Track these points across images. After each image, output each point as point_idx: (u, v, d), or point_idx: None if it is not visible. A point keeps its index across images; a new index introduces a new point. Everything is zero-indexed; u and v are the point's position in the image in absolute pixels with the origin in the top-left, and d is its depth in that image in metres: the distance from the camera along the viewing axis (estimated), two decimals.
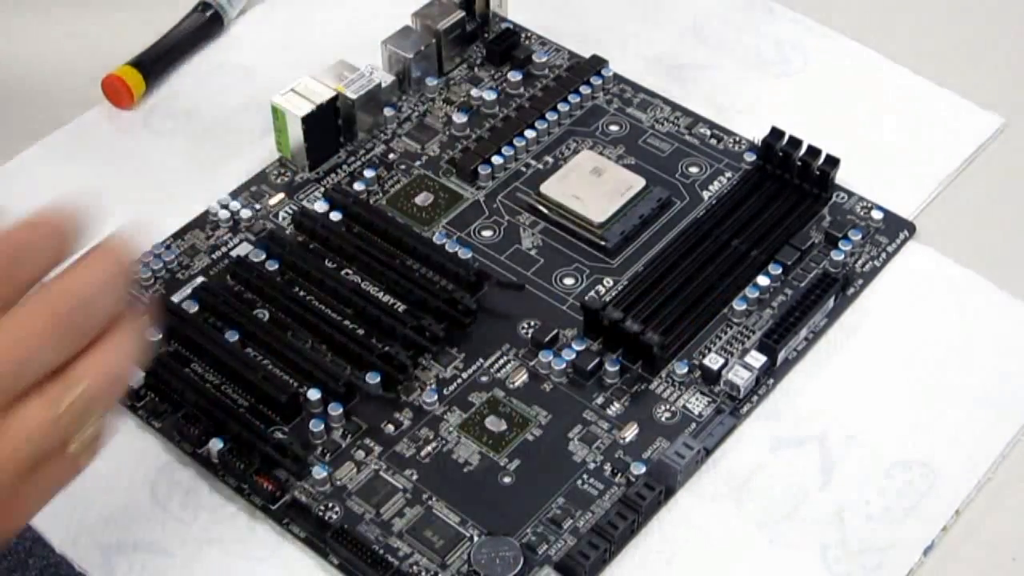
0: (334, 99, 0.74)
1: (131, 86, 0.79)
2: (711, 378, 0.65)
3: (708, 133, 0.77)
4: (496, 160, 0.75)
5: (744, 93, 0.80)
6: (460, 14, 0.80)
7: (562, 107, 0.78)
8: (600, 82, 0.79)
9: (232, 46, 0.83)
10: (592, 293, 0.70)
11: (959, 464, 0.63)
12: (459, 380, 0.66)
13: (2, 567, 0.59)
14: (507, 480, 0.62)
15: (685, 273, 0.69)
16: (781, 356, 0.66)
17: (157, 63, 0.81)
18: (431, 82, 0.79)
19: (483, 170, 0.75)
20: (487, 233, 0.73)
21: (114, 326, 0.47)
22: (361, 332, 0.67)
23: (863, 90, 0.80)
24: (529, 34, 0.83)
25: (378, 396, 0.65)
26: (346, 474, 0.62)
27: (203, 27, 0.83)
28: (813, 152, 0.72)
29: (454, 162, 0.76)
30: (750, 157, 0.75)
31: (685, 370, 0.66)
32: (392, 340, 0.66)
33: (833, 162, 0.72)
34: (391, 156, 0.76)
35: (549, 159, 0.76)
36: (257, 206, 0.74)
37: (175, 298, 0.68)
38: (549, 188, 0.73)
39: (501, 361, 0.67)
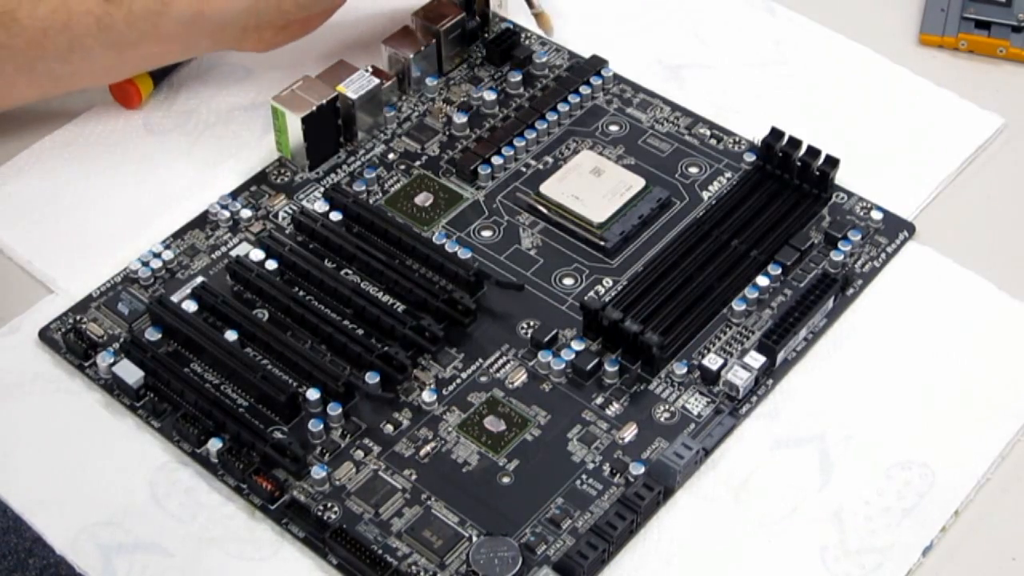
0: (334, 99, 0.74)
1: (139, 86, 0.78)
2: (710, 378, 0.65)
3: (708, 133, 0.77)
4: (496, 160, 0.75)
5: (744, 93, 0.80)
6: (460, 14, 0.80)
7: (562, 107, 0.78)
8: (600, 82, 0.79)
9: None
10: (592, 293, 0.70)
11: (958, 464, 0.63)
12: (458, 380, 0.66)
13: (2, 567, 0.59)
14: (506, 480, 0.62)
15: (685, 273, 0.69)
16: (780, 356, 0.66)
17: None
18: (431, 82, 0.79)
19: (483, 170, 0.75)
20: (487, 233, 0.73)
21: None
22: (361, 332, 0.67)
23: (863, 90, 0.80)
24: (529, 34, 0.83)
25: (377, 396, 0.65)
26: (345, 474, 0.62)
27: None
28: (813, 152, 0.72)
29: (454, 162, 0.76)
30: (750, 157, 0.75)
31: (684, 370, 0.66)
32: (392, 340, 0.66)
33: (833, 162, 0.72)
34: (391, 156, 0.76)
35: (549, 159, 0.76)
36: (257, 206, 0.74)
37: (175, 298, 0.68)
38: (549, 188, 0.73)
39: (500, 361, 0.67)
